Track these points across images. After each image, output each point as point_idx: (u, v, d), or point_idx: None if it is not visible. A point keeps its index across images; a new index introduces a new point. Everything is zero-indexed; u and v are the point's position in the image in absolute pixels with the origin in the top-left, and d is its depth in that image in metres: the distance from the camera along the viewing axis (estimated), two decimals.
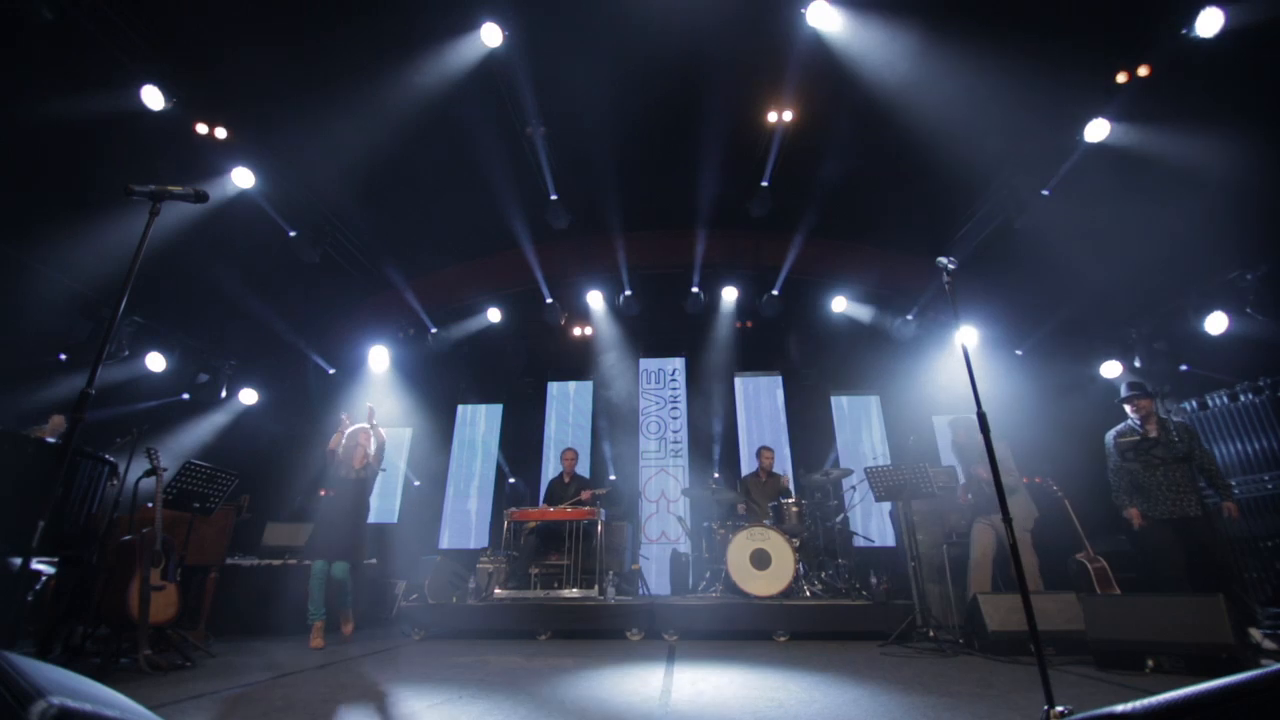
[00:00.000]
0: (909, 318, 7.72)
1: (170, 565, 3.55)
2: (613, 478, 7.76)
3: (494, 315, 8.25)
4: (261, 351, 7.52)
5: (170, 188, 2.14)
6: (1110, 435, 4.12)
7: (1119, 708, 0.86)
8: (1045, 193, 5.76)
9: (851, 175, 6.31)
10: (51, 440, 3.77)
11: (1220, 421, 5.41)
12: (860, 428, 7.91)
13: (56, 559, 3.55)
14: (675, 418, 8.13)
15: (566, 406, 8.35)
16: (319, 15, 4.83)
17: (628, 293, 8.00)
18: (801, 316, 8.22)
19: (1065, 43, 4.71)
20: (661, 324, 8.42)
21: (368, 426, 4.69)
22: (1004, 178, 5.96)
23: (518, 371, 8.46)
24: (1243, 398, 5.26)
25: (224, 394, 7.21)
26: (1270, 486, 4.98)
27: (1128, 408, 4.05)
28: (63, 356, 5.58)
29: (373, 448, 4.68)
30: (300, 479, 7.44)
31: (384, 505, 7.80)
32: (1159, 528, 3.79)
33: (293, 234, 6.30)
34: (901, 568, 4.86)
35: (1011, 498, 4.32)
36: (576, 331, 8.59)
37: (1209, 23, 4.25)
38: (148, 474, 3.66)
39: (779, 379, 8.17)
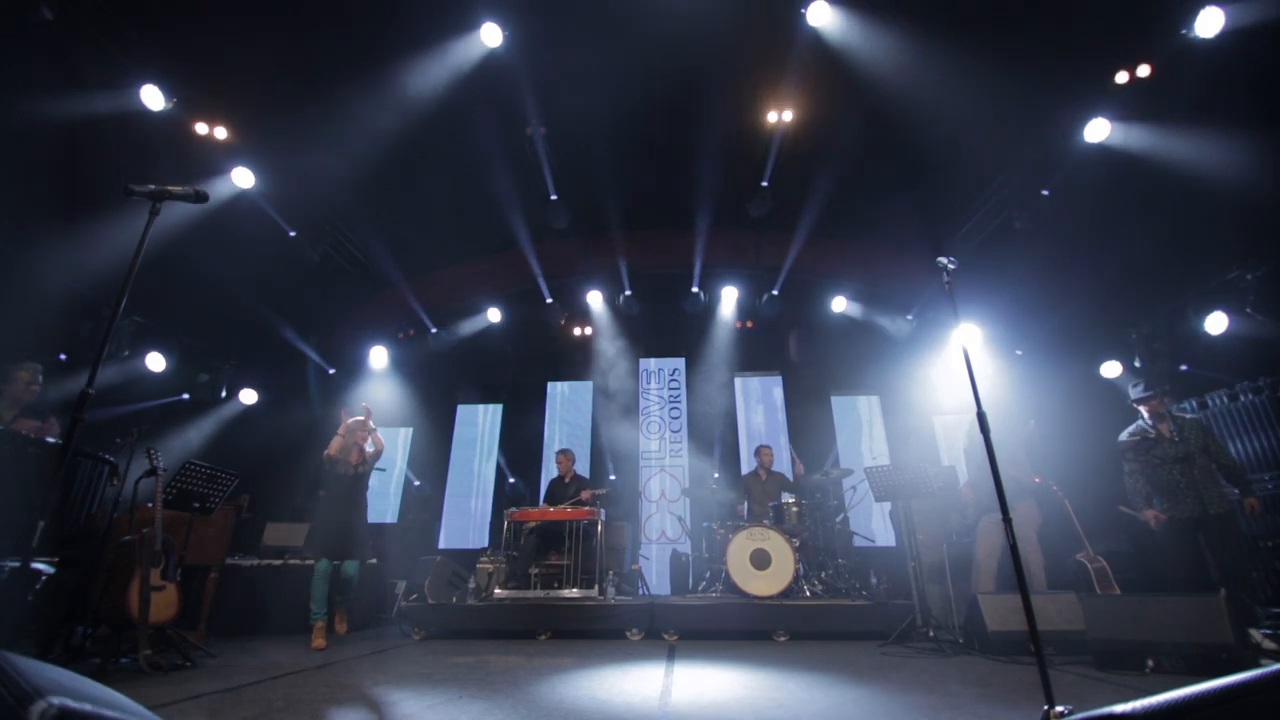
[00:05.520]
0: (909, 317, 7.72)
1: (170, 565, 3.55)
2: (613, 478, 7.76)
3: (494, 315, 8.25)
4: (261, 351, 7.52)
5: (170, 188, 2.13)
6: (1120, 437, 4.11)
7: (1119, 708, 0.86)
8: (1045, 193, 5.77)
9: (851, 175, 6.31)
10: (51, 440, 3.77)
11: (1220, 421, 5.40)
12: (860, 428, 7.91)
13: (56, 559, 3.54)
14: (675, 418, 8.12)
15: (567, 406, 8.35)
16: (319, 15, 4.84)
17: (628, 293, 7.99)
18: (801, 316, 8.21)
19: (1065, 42, 4.71)
20: (661, 324, 8.42)
21: (365, 422, 4.71)
22: (1004, 178, 5.96)
23: (518, 371, 8.46)
24: (1243, 398, 5.25)
25: (224, 394, 7.21)
26: (1270, 486, 4.97)
27: (1142, 408, 4.03)
28: (63, 356, 5.57)
29: (369, 447, 4.71)
30: (300, 479, 7.44)
31: (384, 505, 7.80)
32: (1172, 527, 3.77)
33: (293, 234, 6.31)
34: (901, 568, 4.86)
35: (1024, 501, 4.31)
36: (576, 331, 8.59)
37: (1209, 22, 4.25)
38: (148, 474, 3.65)
39: (779, 379, 8.17)
